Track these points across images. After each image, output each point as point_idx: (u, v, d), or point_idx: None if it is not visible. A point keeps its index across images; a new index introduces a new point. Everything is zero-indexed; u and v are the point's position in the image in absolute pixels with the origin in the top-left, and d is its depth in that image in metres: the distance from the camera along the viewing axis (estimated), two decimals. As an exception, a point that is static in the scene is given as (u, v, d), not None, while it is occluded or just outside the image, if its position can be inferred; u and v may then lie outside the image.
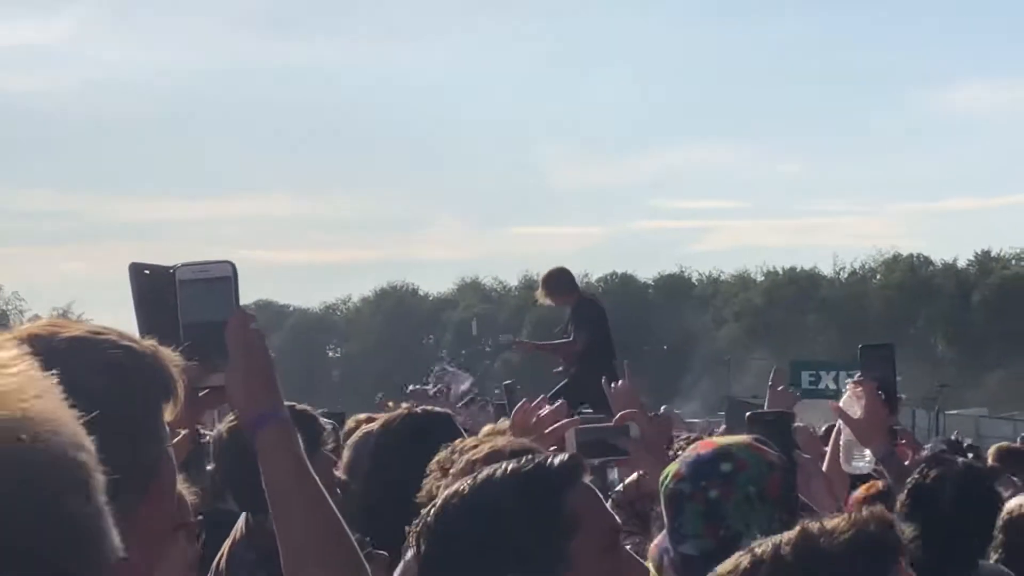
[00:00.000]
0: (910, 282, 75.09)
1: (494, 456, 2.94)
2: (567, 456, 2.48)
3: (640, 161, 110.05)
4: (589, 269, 76.39)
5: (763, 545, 1.84)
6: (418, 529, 2.40)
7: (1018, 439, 8.30)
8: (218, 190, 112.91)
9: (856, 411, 4.35)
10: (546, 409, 3.97)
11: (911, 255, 78.88)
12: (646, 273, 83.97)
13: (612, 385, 4.53)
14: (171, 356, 1.73)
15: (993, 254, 76.20)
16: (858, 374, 4.44)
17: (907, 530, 1.88)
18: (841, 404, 4.40)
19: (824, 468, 4.44)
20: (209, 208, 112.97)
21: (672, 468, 3.09)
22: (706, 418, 21.80)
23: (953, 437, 17.78)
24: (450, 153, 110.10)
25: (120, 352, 1.71)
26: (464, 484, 2.40)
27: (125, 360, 1.70)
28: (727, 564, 1.89)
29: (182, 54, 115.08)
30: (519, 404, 3.97)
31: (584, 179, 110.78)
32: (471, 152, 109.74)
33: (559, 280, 11.72)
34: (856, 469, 4.45)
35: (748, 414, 4.02)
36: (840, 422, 4.45)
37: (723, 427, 19.05)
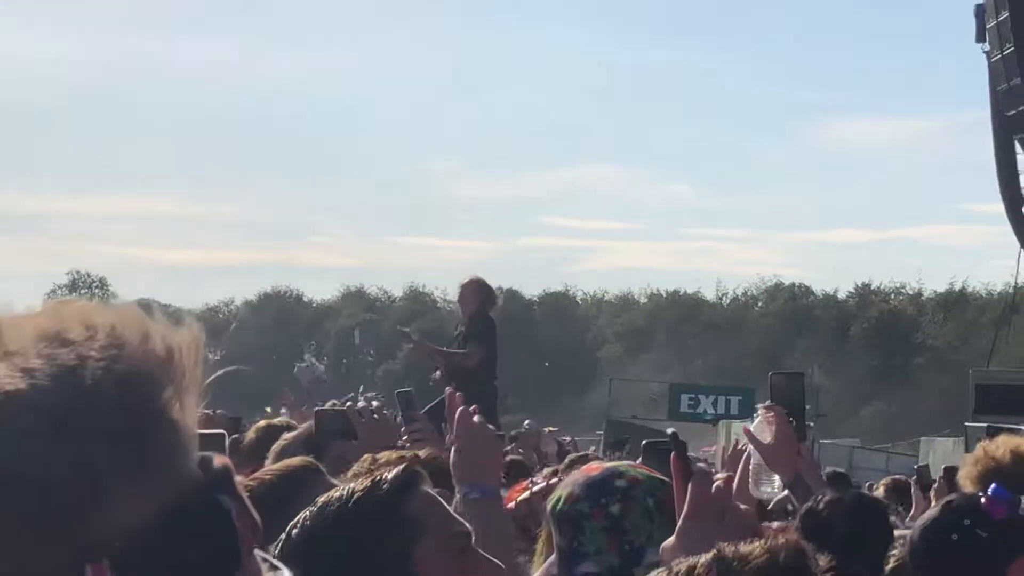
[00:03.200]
0: (790, 311, 75.95)
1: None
2: (403, 467, 2.53)
3: (530, 178, 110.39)
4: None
5: (679, 565, 1.83)
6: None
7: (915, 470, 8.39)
8: (104, 187, 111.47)
9: (766, 436, 4.32)
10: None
11: (793, 284, 79.87)
12: (531, 290, 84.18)
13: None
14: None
15: (873, 287, 77.39)
16: (768, 401, 4.42)
17: (822, 560, 1.87)
18: (752, 428, 4.37)
19: None
20: (95, 204, 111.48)
21: (563, 492, 3.11)
22: (582, 436, 21.75)
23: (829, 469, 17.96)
24: (340, 160, 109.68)
25: None
26: (307, 511, 2.46)
27: None
28: None
29: (74, 47, 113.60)
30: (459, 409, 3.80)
31: (474, 193, 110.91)
32: (361, 160, 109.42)
33: (478, 287, 11.66)
34: (764, 495, 4.42)
35: (644, 443, 4.02)
36: (750, 447, 4.41)
37: (600, 446, 19.11)
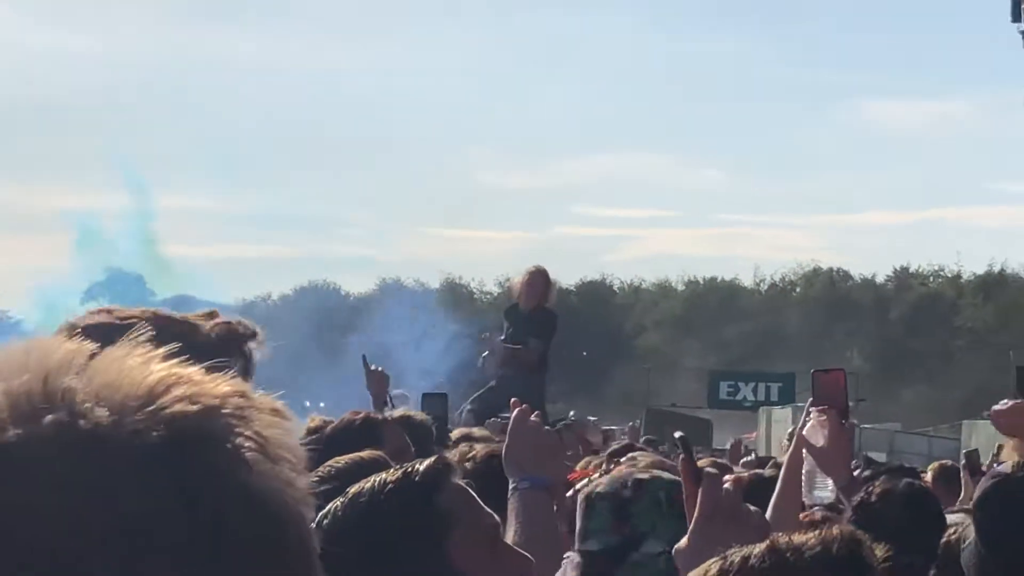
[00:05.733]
0: (829, 296, 75.83)
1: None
2: (434, 459, 2.54)
3: (565, 167, 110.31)
4: (512, 273, 76.26)
5: (734, 554, 1.81)
6: None
7: (962, 455, 8.34)
8: (135, 183, 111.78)
9: (819, 439, 4.27)
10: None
11: (830, 269, 79.72)
12: (568, 279, 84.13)
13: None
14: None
15: (911, 270, 77.17)
16: (809, 400, 4.39)
17: (879, 550, 1.84)
18: (805, 432, 4.31)
19: (774, 498, 4.28)
20: (127, 200, 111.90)
21: (596, 480, 3.36)
22: (624, 424, 21.71)
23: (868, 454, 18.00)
24: (373, 152, 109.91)
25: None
26: (339, 500, 2.45)
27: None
28: (698, 569, 1.88)
29: (105, 44, 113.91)
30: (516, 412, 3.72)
31: (509, 183, 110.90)
32: (396, 152, 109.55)
33: (547, 279, 11.60)
34: (818, 499, 4.36)
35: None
36: (802, 451, 4.34)
37: (641, 434, 19.07)
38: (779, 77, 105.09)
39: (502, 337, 11.53)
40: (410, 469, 2.49)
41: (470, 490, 2.55)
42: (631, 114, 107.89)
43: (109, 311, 2.47)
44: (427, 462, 2.52)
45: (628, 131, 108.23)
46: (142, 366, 1.01)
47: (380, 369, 7.86)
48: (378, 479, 2.47)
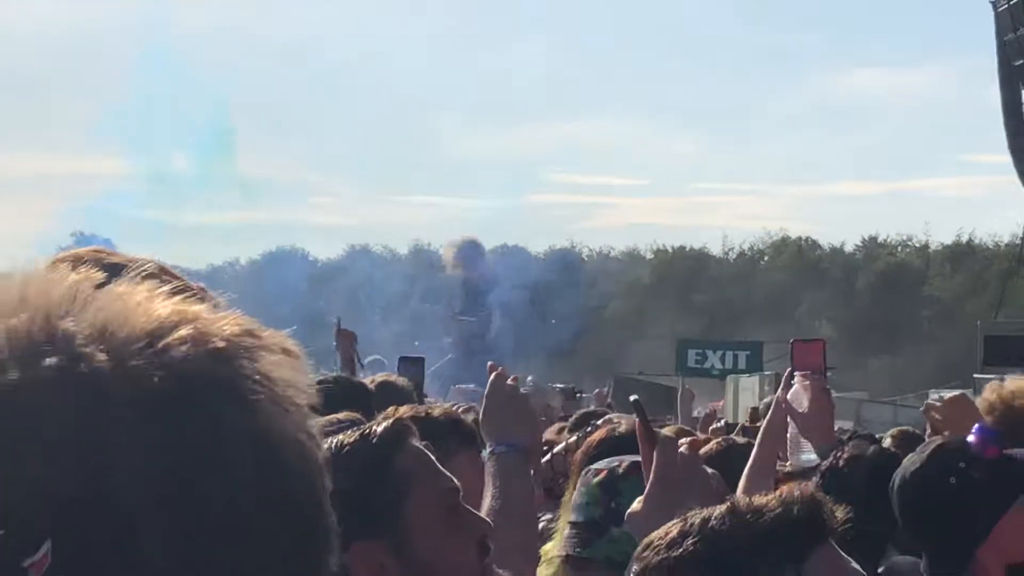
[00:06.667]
0: (797, 264, 76.00)
1: None
2: (391, 421, 2.50)
3: (536, 135, 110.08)
4: (481, 240, 76.26)
5: (694, 516, 1.81)
6: None
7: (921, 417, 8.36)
8: (106, 147, 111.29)
9: (804, 404, 4.29)
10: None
11: (799, 238, 79.91)
12: (537, 247, 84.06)
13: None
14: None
15: (880, 240, 77.41)
16: (788, 370, 4.41)
17: (839, 512, 1.85)
18: (789, 396, 4.33)
19: (749, 463, 4.28)
20: (96, 165, 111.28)
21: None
22: (591, 393, 21.70)
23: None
24: (344, 117, 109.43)
25: None
26: None
27: None
28: (659, 531, 1.87)
29: (68, 8, 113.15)
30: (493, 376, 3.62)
31: (479, 150, 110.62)
32: (366, 117, 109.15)
33: (476, 249, 11.76)
34: (803, 463, 4.37)
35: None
36: (780, 417, 4.35)
37: (609, 401, 19.07)
38: (751, 46, 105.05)
39: (458, 311, 11.64)
40: (368, 430, 2.47)
41: (428, 452, 2.52)
42: (601, 82, 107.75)
43: (106, 251, 2.42)
44: (385, 423, 2.50)
45: (598, 99, 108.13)
46: (146, 303, 0.97)
47: (343, 328, 7.82)
48: (335, 440, 2.44)
